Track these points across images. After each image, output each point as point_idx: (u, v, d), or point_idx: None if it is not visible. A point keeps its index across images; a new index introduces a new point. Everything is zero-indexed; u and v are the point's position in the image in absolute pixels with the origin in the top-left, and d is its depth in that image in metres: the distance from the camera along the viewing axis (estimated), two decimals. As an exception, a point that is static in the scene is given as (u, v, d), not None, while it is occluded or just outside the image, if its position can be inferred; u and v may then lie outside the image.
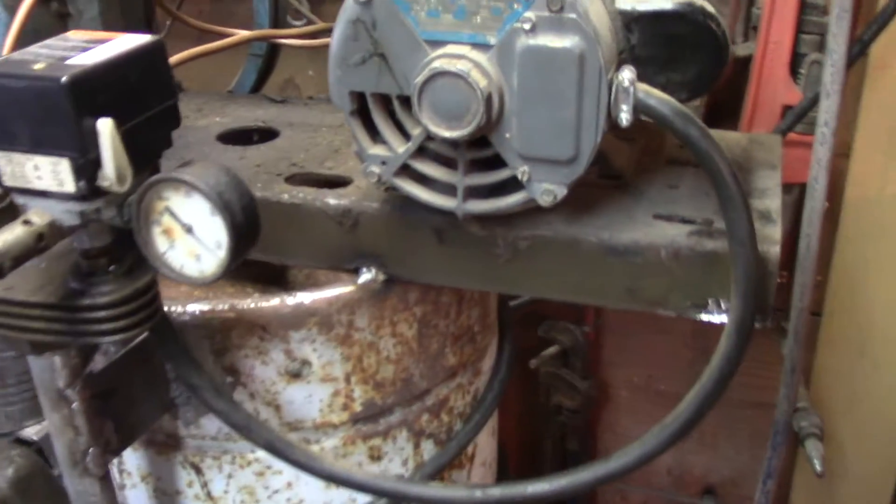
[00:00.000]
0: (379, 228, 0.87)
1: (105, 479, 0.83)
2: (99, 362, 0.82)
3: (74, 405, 0.77)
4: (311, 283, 1.09)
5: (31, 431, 1.49)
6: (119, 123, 0.61)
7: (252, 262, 1.08)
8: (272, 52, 1.36)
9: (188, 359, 0.79)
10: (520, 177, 0.75)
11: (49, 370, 0.75)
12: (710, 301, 0.80)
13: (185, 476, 0.95)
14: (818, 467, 1.28)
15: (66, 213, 0.63)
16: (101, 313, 0.66)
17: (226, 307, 0.86)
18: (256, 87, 1.37)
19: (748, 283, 0.72)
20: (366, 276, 0.89)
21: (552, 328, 1.59)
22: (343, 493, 0.97)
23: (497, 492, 0.81)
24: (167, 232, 0.63)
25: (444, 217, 0.84)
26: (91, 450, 0.80)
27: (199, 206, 0.61)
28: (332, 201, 0.88)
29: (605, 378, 1.73)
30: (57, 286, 0.67)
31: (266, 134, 1.07)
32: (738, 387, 1.66)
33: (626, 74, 0.70)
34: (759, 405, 1.64)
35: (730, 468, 1.73)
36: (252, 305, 0.86)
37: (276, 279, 1.02)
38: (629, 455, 0.79)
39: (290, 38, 1.21)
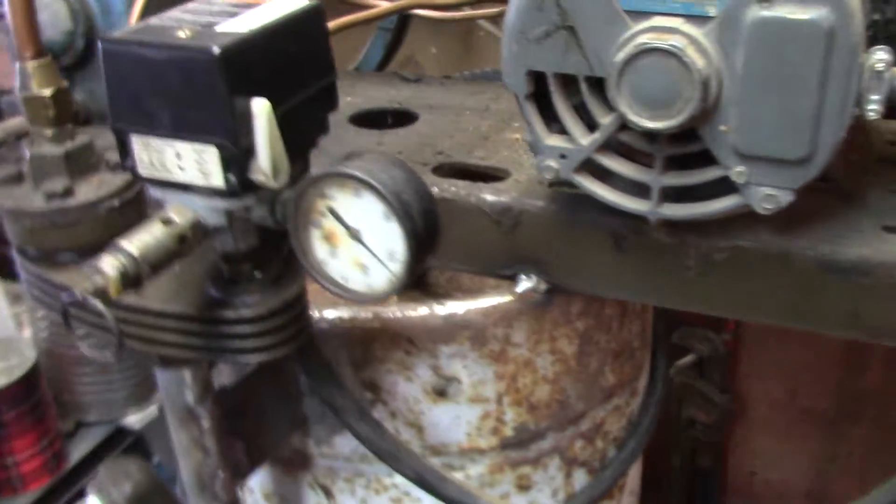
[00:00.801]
0: (544, 230, 0.75)
1: (233, 506, 0.74)
2: (228, 375, 0.73)
3: (204, 424, 0.68)
4: (453, 288, 0.99)
5: (134, 420, 1.44)
6: (275, 105, 0.51)
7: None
8: (401, 26, 1.25)
9: (331, 376, 0.69)
10: (735, 178, 0.62)
11: (177, 384, 0.66)
12: (955, 332, 0.66)
13: (312, 497, 0.86)
14: None
15: (211, 211, 0.53)
16: (247, 328, 0.56)
17: (369, 315, 0.75)
18: (383, 65, 1.26)
19: None
20: (526, 284, 0.77)
21: (689, 335, 1.45)
22: (485, 526, 0.87)
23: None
24: (329, 237, 0.53)
25: (624, 220, 0.72)
26: (220, 473, 0.71)
27: (370, 208, 0.50)
28: (489, 197, 0.76)
29: (742, 390, 1.58)
30: (195, 294, 0.57)
31: (402, 116, 0.97)
32: (892, 404, 1.50)
33: (881, 55, 0.57)
34: (919, 428, 1.48)
35: (880, 496, 1.57)
36: (398, 315, 0.75)
37: (416, 282, 0.91)
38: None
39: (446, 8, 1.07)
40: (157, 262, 0.49)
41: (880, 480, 1.61)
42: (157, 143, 0.51)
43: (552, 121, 0.67)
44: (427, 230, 0.51)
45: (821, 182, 0.74)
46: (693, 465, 1.58)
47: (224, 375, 0.71)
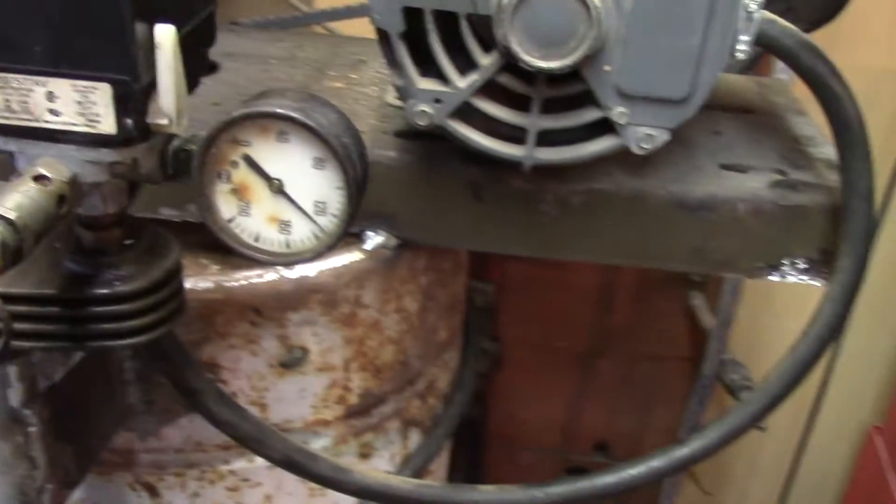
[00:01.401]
0: (396, 183, 0.71)
1: (61, 524, 0.62)
2: (52, 368, 0.60)
3: (32, 430, 0.56)
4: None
5: None
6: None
7: (200, 226, 0.87)
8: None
9: (186, 357, 0.60)
10: (615, 119, 0.62)
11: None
12: (785, 261, 0.71)
13: (133, 501, 0.75)
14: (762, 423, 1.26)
15: (93, 165, 0.42)
16: (125, 306, 0.46)
17: (210, 286, 0.66)
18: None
19: (865, 244, 0.64)
20: (376, 240, 0.72)
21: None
22: (328, 501, 0.81)
23: (560, 490, 0.69)
24: (240, 191, 0.44)
25: (482, 169, 0.70)
26: (47, 486, 0.59)
27: (298, 155, 0.43)
28: (334, 149, 0.70)
29: (503, 338, 1.64)
30: (48, 268, 0.46)
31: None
32: (634, 340, 1.64)
33: (751, -2, 0.59)
34: (655, 358, 1.63)
35: (624, 423, 1.71)
36: (245, 283, 0.67)
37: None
38: (706, 438, 0.70)
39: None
40: (39, 230, 0.38)
41: (623, 408, 1.75)
42: (22, 81, 0.40)
43: (426, 63, 0.63)
44: (364, 177, 0.45)
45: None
46: (462, 414, 1.62)
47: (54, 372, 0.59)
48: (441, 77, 0.62)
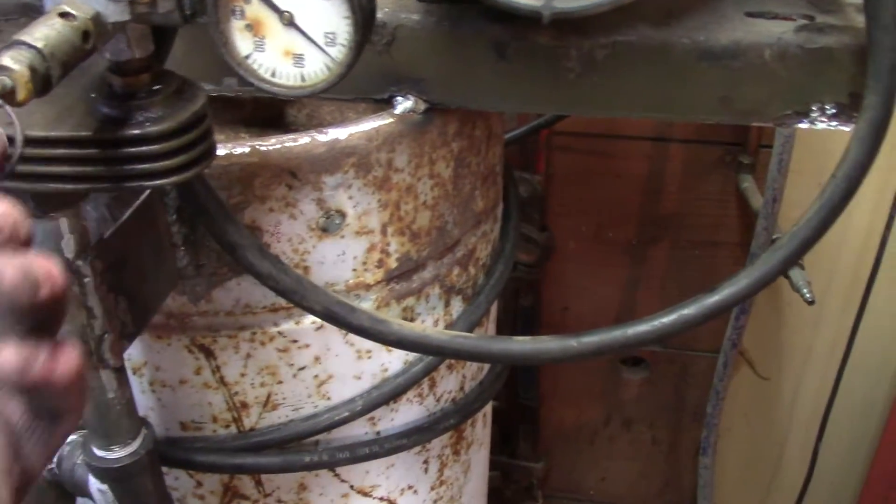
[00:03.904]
0: (422, 45, 0.72)
1: (122, 372, 0.67)
2: (103, 225, 0.65)
3: (87, 280, 0.61)
4: (315, 125, 0.94)
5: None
6: None
7: (239, 101, 0.91)
8: None
9: (224, 211, 0.63)
10: (631, -39, 0.62)
11: (53, 237, 0.58)
12: (813, 107, 0.71)
13: (191, 362, 0.80)
14: (808, 295, 1.27)
15: (114, 4, 0.45)
16: (156, 146, 0.49)
17: (246, 150, 0.70)
18: None
19: (891, 77, 0.64)
20: (405, 104, 0.74)
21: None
22: (374, 364, 0.85)
23: (595, 339, 0.71)
24: (254, 26, 0.47)
25: (505, 27, 0.71)
26: (106, 335, 0.64)
27: (305, -14, 0.45)
28: (360, 15, 0.72)
29: (553, 229, 1.66)
30: (84, 114, 0.49)
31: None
32: (685, 227, 1.64)
33: None
34: (710, 244, 1.63)
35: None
36: (278, 146, 0.70)
37: (272, 121, 0.85)
38: (737, 284, 0.71)
39: None
40: (66, 60, 0.41)
41: (677, 296, 1.76)
42: (38, -82, 0.42)
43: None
44: (370, 6, 0.47)
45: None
46: (516, 304, 1.65)
47: (104, 227, 0.63)
48: (457, -71, 0.63)
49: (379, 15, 0.72)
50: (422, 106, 0.75)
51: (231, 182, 0.70)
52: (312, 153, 0.71)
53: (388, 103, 0.75)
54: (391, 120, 0.74)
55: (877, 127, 0.65)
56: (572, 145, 1.57)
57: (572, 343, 0.71)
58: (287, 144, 0.70)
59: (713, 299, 0.71)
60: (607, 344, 0.71)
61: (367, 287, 0.81)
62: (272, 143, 0.70)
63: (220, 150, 0.69)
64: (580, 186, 1.60)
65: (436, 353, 0.73)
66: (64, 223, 0.57)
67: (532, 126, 1.38)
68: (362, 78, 0.74)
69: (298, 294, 0.67)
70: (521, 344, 0.71)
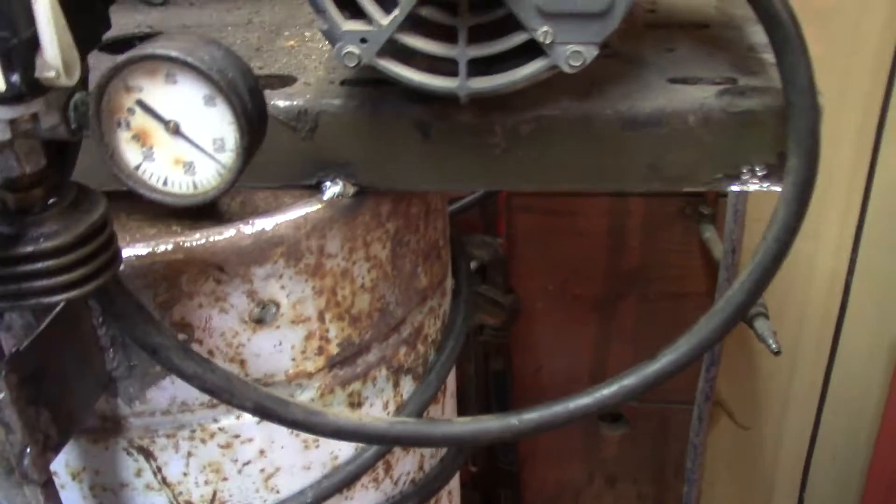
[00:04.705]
0: (345, 130, 0.72)
1: (48, 486, 0.65)
2: (13, 336, 0.63)
3: (1, 395, 0.59)
4: (249, 212, 0.93)
5: None
6: (48, -11, 0.43)
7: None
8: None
9: (144, 314, 0.62)
10: (541, 39, 0.61)
11: (-40, 355, 0.56)
12: (743, 169, 0.71)
13: (131, 464, 0.78)
14: (773, 345, 1.26)
15: (-9, 125, 0.44)
16: (52, 262, 0.48)
17: (169, 247, 0.68)
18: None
19: (812, 138, 0.63)
20: (333, 189, 0.73)
21: (468, 243, 1.48)
22: (323, 452, 0.83)
23: (535, 416, 0.69)
24: (141, 136, 0.46)
25: (427, 107, 0.71)
26: (28, 449, 0.62)
27: (188, 94, 0.44)
28: (281, 103, 0.71)
29: (518, 290, 1.65)
30: (-25, 234, 0.48)
31: (157, 41, 0.88)
32: (651, 280, 1.63)
33: None
34: (677, 295, 1.62)
35: (652, 364, 1.70)
36: (203, 241, 0.69)
37: (203, 212, 0.84)
38: (677, 351, 0.70)
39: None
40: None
41: (649, 348, 1.74)
42: None
43: (345, 8, 0.63)
44: (257, 110, 0.46)
45: (604, 49, 0.76)
46: (486, 369, 1.63)
47: (18, 337, 0.61)
48: (366, 17, 0.63)
49: (300, 101, 0.71)
50: (351, 190, 0.74)
51: (156, 280, 0.69)
52: (239, 245, 0.70)
53: (316, 189, 0.74)
54: (319, 206, 0.73)
55: (802, 189, 0.65)
56: (532, 205, 1.57)
57: (513, 421, 0.69)
58: (212, 238, 0.69)
59: (653, 368, 0.70)
60: (548, 420, 0.69)
61: (309, 375, 0.79)
62: (196, 238, 0.69)
63: (143, 249, 0.68)
64: (543, 246, 1.59)
65: (376, 442, 0.71)
66: (-29, 340, 0.56)
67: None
68: (288, 165, 0.73)
69: (227, 392, 0.65)
70: (462, 425, 0.69)
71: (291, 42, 0.83)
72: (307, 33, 0.85)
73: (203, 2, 0.98)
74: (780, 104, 0.67)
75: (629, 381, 0.70)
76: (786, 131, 0.65)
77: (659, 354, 0.70)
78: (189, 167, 0.46)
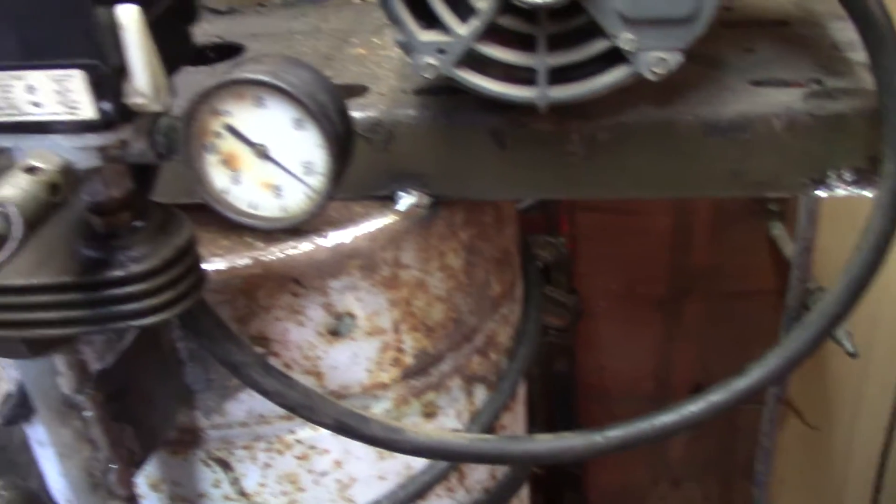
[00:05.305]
0: (420, 140, 0.71)
1: (132, 500, 0.65)
2: (98, 356, 0.63)
3: (87, 413, 0.59)
4: (321, 222, 0.92)
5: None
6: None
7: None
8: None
9: (225, 331, 0.62)
10: (623, 46, 0.60)
11: (48, 374, 0.57)
12: (831, 174, 0.68)
13: (209, 476, 0.78)
14: (850, 347, 1.22)
15: (83, 152, 0.44)
16: (141, 286, 0.48)
17: (248, 262, 0.68)
18: None
19: (907, 142, 0.61)
20: (408, 200, 0.73)
21: (532, 244, 1.46)
22: (398, 463, 0.83)
23: (620, 433, 0.68)
24: (229, 161, 0.45)
25: (502, 116, 0.69)
26: (112, 465, 0.62)
27: (277, 117, 0.44)
28: (356, 114, 0.70)
29: (582, 290, 1.63)
30: (66, 258, 0.48)
31: (226, 50, 0.88)
32: (717, 278, 1.60)
33: None
34: (744, 294, 1.59)
35: (720, 364, 1.67)
36: (280, 255, 0.69)
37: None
38: (767, 366, 0.68)
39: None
40: (32, 218, 0.40)
41: (715, 348, 1.71)
42: (0, 77, 0.42)
43: (425, 16, 0.62)
44: (346, 133, 0.45)
45: (681, 51, 0.74)
46: (551, 370, 1.61)
47: (92, 357, 0.62)
48: (443, 28, 0.62)
49: (375, 113, 0.71)
50: (426, 200, 0.73)
51: (234, 295, 0.69)
52: (316, 259, 0.70)
53: (390, 199, 0.74)
54: (395, 218, 0.72)
55: (897, 194, 0.62)
56: (595, 204, 1.55)
57: (597, 439, 0.68)
58: (289, 252, 0.69)
59: (743, 383, 0.68)
60: (633, 437, 0.68)
61: (384, 386, 0.78)
62: (273, 253, 0.68)
63: (222, 264, 0.68)
64: (606, 245, 1.57)
65: (456, 460, 0.70)
66: (59, 361, 0.56)
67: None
68: (363, 176, 0.73)
69: (307, 408, 0.65)
70: (544, 443, 0.68)
71: (361, 49, 0.82)
72: (376, 40, 0.85)
73: (269, 10, 0.98)
74: (871, 106, 0.65)
75: (717, 396, 0.68)
76: (880, 136, 0.63)
77: (748, 369, 0.68)
78: (278, 191, 0.46)
